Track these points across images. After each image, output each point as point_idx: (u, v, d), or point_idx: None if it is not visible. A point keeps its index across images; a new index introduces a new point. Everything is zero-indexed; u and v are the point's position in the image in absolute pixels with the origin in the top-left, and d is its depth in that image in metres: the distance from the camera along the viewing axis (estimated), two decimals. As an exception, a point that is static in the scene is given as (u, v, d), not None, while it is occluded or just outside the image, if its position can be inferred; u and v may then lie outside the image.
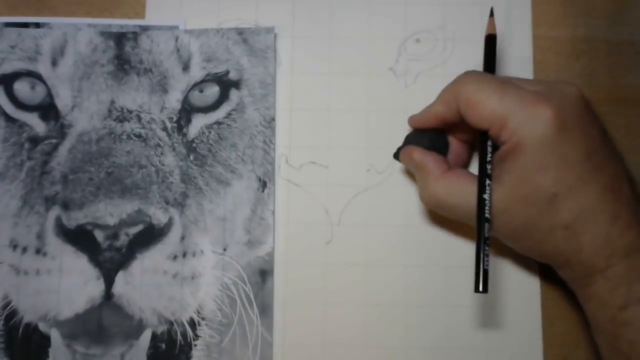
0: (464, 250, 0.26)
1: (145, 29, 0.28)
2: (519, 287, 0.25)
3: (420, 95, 0.27)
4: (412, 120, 0.25)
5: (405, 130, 0.26)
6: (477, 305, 0.25)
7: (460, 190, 0.22)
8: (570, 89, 0.21)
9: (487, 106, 0.21)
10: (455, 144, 0.24)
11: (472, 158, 0.26)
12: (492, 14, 0.24)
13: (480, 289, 0.21)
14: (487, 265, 0.21)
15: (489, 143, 0.22)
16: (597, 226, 0.20)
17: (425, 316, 0.25)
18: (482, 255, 0.21)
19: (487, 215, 0.21)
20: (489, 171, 0.22)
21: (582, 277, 0.21)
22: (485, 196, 0.21)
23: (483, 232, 0.21)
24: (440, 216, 0.26)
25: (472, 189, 0.22)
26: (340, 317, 0.25)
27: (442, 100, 0.23)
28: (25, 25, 0.28)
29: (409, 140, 0.25)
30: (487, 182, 0.21)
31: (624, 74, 0.27)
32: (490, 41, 0.24)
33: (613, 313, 0.20)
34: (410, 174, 0.26)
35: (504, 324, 0.25)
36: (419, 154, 0.23)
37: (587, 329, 0.25)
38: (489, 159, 0.22)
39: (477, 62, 0.25)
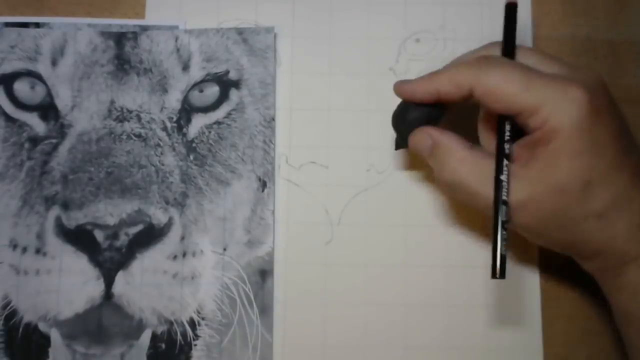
0: (464, 250, 0.26)
1: (145, 29, 0.28)
2: (519, 287, 0.25)
3: None
4: (402, 88, 0.22)
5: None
6: (477, 305, 0.25)
7: (484, 171, 0.20)
8: (594, 74, 0.21)
9: (515, 97, 0.20)
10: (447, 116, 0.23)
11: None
12: None
13: (497, 274, 0.20)
14: (505, 250, 0.20)
15: (507, 127, 0.21)
16: (631, 213, 0.20)
17: (425, 316, 0.25)
18: (499, 239, 0.20)
19: (504, 197, 0.20)
20: (507, 151, 0.20)
21: (614, 266, 0.20)
22: (503, 177, 0.20)
23: (501, 214, 0.20)
24: (440, 216, 0.26)
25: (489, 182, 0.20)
26: (340, 317, 0.25)
27: (452, 81, 0.21)
28: (25, 25, 0.28)
29: (400, 119, 0.23)
30: (505, 162, 0.20)
31: (624, 74, 0.27)
32: (511, 10, 0.22)
33: None
34: (410, 172, 0.26)
35: (504, 324, 0.25)
36: (436, 132, 0.22)
37: (587, 328, 0.25)
38: (506, 137, 0.20)
39: None
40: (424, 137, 0.22)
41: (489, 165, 0.21)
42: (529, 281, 0.26)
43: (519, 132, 0.21)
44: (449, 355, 0.25)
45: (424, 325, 0.25)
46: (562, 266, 0.25)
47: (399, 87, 0.23)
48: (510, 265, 0.25)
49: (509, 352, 0.25)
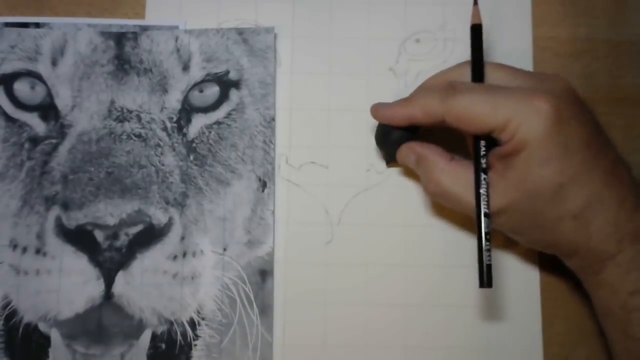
0: (464, 250, 0.26)
1: (145, 29, 0.28)
2: (519, 287, 0.25)
3: None
4: (380, 113, 0.24)
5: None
6: (477, 305, 0.25)
7: (465, 180, 0.22)
8: (560, 81, 0.22)
9: (483, 118, 0.21)
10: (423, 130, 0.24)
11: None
12: (476, 2, 0.24)
13: (485, 284, 0.21)
14: (490, 260, 0.21)
15: (482, 143, 0.22)
16: (605, 212, 0.20)
17: (425, 316, 0.25)
18: (483, 251, 0.21)
19: (485, 210, 0.21)
20: (483, 165, 0.22)
21: (591, 264, 0.21)
22: (482, 191, 0.21)
23: (482, 227, 0.21)
24: (440, 216, 0.26)
25: (461, 184, 0.22)
26: (340, 317, 0.25)
27: (423, 110, 0.22)
28: (25, 25, 0.28)
29: (384, 140, 0.25)
30: (483, 176, 0.22)
31: (624, 74, 0.27)
32: (476, 31, 0.23)
33: (624, 299, 0.20)
34: (410, 173, 0.26)
35: (504, 324, 0.25)
36: (419, 146, 0.23)
37: (587, 328, 0.25)
38: (482, 153, 0.22)
39: None
40: (409, 153, 0.24)
41: (469, 175, 0.22)
42: (529, 281, 0.25)
43: (495, 141, 0.22)
44: (449, 355, 0.25)
45: (424, 325, 0.25)
46: (562, 266, 0.25)
47: (376, 111, 0.24)
48: (510, 266, 0.26)
49: (509, 352, 0.25)
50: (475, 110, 0.21)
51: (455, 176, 0.22)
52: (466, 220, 0.26)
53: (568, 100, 0.21)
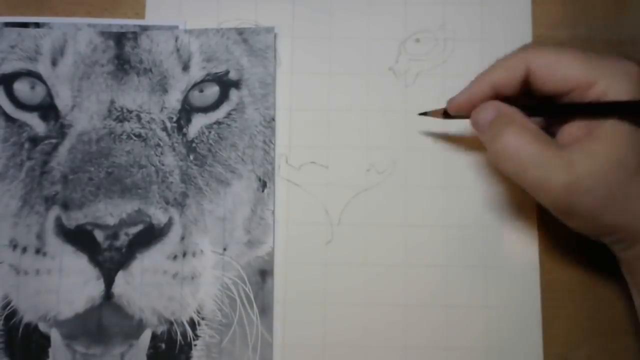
0: (465, 250, 0.26)
1: (145, 29, 0.28)
2: (519, 288, 0.25)
3: (420, 95, 0.27)
4: (456, 102, 0.23)
5: (405, 130, 0.26)
6: (477, 305, 0.25)
7: (545, 146, 0.20)
8: (632, 60, 0.21)
9: (573, 67, 0.20)
10: None
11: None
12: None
13: None
14: None
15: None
16: None
17: (425, 316, 0.25)
18: None
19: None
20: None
21: None
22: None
23: None
24: (440, 216, 0.26)
25: (556, 151, 0.20)
26: (340, 317, 0.25)
27: (503, 68, 0.21)
28: (25, 25, 0.28)
29: None
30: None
31: (624, 74, 0.27)
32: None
33: None
34: (410, 174, 0.26)
35: (504, 324, 0.25)
36: (501, 105, 0.22)
37: (587, 328, 0.25)
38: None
39: (477, 62, 0.25)
40: (490, 109, 0.22)
41: (548, 139, 0.20)
42: (529, 281, 0.25)
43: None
44: (449, 355, 0.25)
45: (424, 325, 0.25)
46: (562, 266, 0.25)
47: (452, 102, 0.23)
48: (510, 266, 0.26)
49: (509, 352, 0.25)
50: (562, 61, 0.20)
51: (535, 136, 0.20)
52: (467, 220, 0.26)
53: None
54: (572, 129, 0.21)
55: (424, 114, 0.26)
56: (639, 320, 0.22)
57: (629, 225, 0.20)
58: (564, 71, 0.21)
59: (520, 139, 0.20)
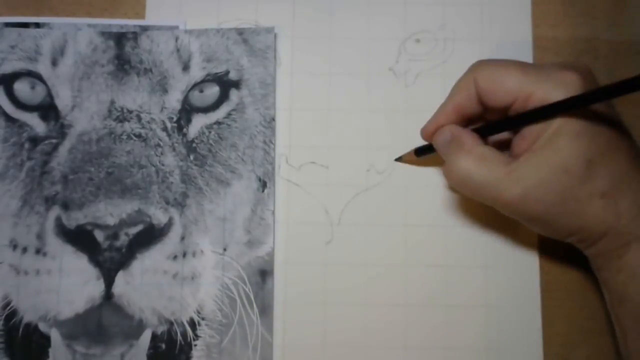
0: (464, 250, 0.26)
1: (145, 29, 0.28)
2: (519, 287, 0.25)
3: (420, 95, 0.27)
4: (425, 131, 0.24)
5: (405, 130, 0.26)
6: (477, 305, 0.25)
7: (492, 166, 0.21)
8: (581, 62, 0.22)
9: (512, 79, 0.21)
10: None
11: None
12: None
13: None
14: None
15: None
16: (632, 192, 0.20)
17: (425, 316, 0.25)
18: None
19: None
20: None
21: (616, 247, 0.21)
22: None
23: None
24: (440, 216, 0.26)
25: (503, 169, 0.21)
26: (340, 317, 0.25)
27: (458, 90, 0.23)
28: (25, 25, 0.28)
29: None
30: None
31: (624, 74, 0.27)
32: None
33: None
34: (410, 174, 0.26)
35: (504, 324, 0.25)
36: (457, 129, 0.23)
37: (587, 328, 0.25)
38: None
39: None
40: (446, 132, 0.23)
41: (496, 157, 0.21)
42: (529, 281, 0.26)
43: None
44: (449, 355, 0.25)
45: (424, 325, 0.25)
46: (562, 266, 0.26)
47: (423, 131, 0.24)
48: (510, 265, 0.26)
49: (509, 352, 0.25)
50: (504, 71, 0.21)
51: (483, 160, 0.21)
52: (468, 220, 0.26)
53: (591, 78, 0.21)
54: (521, 141, 0.22)
55: (399, 159, 0.26)
56: (610, 313, 0.22)
57: (584, 227, 0.21)
58: (504, 83, 0.21)
59: (469, 162, 0.22)
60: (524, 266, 0.26)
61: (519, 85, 0.21)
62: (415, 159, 0.26)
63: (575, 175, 0.20)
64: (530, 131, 0.21)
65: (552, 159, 0.20)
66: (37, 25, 0.28)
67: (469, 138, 0.22)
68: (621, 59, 0.27)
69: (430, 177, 0.26)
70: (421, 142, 0.25)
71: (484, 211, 0.26)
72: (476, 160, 0.22)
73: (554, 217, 0.21)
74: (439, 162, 0.26)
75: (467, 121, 0.23)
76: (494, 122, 0.23)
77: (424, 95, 0.27)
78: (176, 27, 0.28)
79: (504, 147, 0.24)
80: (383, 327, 0.25)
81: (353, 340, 0.25)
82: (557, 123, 0.20)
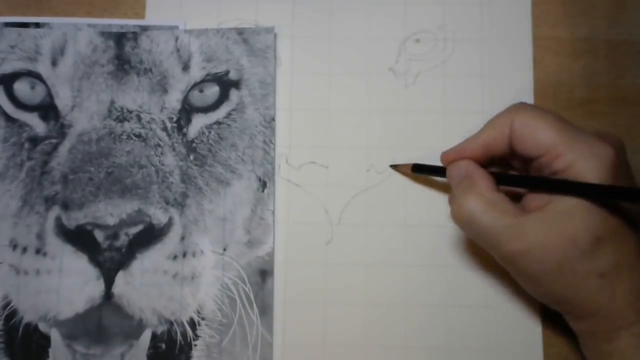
0: (464, 250, 0.26)
1: (145, 29, 0.28)
2: (519, 288, 0.25)
3: (420, 95, 0.27)
4: (446, 156, 0.24)
5: (405, 130, 0.26)
6: (477, 305, 0.26)
7: (500, 215, 0.21)
8: (616, 136, 0.22)
9: (547, 134, 0.21)
10: None
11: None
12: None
13: None
14: None
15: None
16: (631, 279, 0.20)
17: (425, 316, 0.25)
18: None
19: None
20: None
21: (606, 330, 0.20)
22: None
23: None
24: (439, 216, 0.26)
25: (510, 220, 0.21)
26: (340, 317, 0.26)
27: (492, 126, 0.22)
28: (25, 25, 0.28)
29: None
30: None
31: (624, 74, 0.27)
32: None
33: None
34: (410, 174, 0.27)
35: (504, 324, 0.25)
36: (472, 166, 0.23)
37: None
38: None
39: (477, 62, 0.25)
40: (462, 167, 0.23)
41: (505, 207, 0.21)
42: None
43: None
44: (449, 355, 0.25)
45: (424, 325, 0.25)
46: None
47: (444, 156, 0.24)
48: None
49: (509, 352, 0.25)
50: (541, 123, 0.21)
51: (492, 206, 0.21)
52: None
53: (623, 155, 0.21)
54: (535, 196, 0.21)
55: (394, 166, 0.26)
56: None
57: (574, 301, 0.21)
58: (538, 135, 0.21)
59: (477, 205, 0.21)
60: None
61: (552, 142, 0.21)
62: (410, 173, 0.26)
63: (580, 249, 0.20)
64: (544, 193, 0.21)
65: (563, 226, 0.20)
66: (37, 25, 0.28)
67: (483, 181, 0.22)
68: (621, 59, 0.27)
69: (430, 178, 0.27)
70: (421, 155, 0.26)
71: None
72: (485, 205, 0.21)
73: (548, 281, 0.21)
74: (432, 184, 0.26)
75: (490, 159, 0.23)
76: (513, 176, 0.23)
77: (424, 95, 0.27)
78: (176, 27, 0.28)
79: (516, 196, 0.23)
80: (383, 327, 0.25)
81: (353, 340, 0.25)
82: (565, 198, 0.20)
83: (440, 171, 0.24)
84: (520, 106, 0.22)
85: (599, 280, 0.20)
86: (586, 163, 0.20)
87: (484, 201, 0.21)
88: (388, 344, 0.25)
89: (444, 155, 0.24)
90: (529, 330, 0.25)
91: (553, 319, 0.25)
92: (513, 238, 0.21)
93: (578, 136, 0.21)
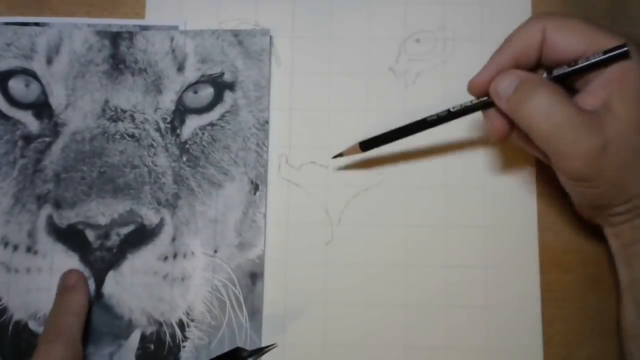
0: (464, 250, 0.31)
1: (145, 29, 0.33)
2: (519, 288, 0.31)
3: (420, 95, 0.33)
4: (477, 82, 0.27)
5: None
6: (477, 305, 0.31)
7: (576, 108, 0.24)
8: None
9: (586, 32, 0.25)
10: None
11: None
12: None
13: None
14: None
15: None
16: None
17: (426, 316, 0.31)
18: None
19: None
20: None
21: None
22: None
23: None
24: (440, 216, 0.31)
25: (587, 114, 0.24)
26: (340, 317, 0.31)
27: (520, 37, 0.26)
28: (25, 25, 0.33)
29: None
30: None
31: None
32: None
33: None
34: (410, 174, 0.32)
35: (504, 324, 0.30)
36: (522, 72, 0.26)
37: (587, 328, 0.29)
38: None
39: (477, 62, 0.30)
40: (513, 75, 0.26)
41: (574, 103, 0.25)
42: (529, 281, 0.31)
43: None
44: (449, 355, 0.30)
45: (424, 325, 0.31)
46: (562, 266, 0.31)
47: (478, 80, 0.27)
48: (510, 265, 0.31)
49: (509, 352, 0.30)
50: (575, 26, 0.25)
51: (567, 98, 0.24)
52: (468, 220, 0.31)
53: None
54: (588, 97, 0.25)
55: (339, 155, 0.31)
56: (620, 293, 0.26)
57: None
58: (577, 36, 0.25)
59: (553, 100, 0.25)
60: (524, 266, 0.31)
61: (589, 40, 0.25)
62: (359, 151, 0.31)
63: None
64: (600, 88, 0.25)
65: (631, 115, 0.24)
66: (37, 25, 0.33)
67: (544, 79, 0.25)
68: None
69: (430, 177, 0.32)
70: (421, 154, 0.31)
71: (484, 211, 0.32)
72: (562, 97, 0.24)
73: (623, 176, 0.24)
74: (432, 184, 0.31)
75: (524, 64, 0.27)
76: (562, 73, 0.26)
77: (424, 95, 0.33)
78: (176, 27, 0.33)
79: None
80: (383, 327, 0.30)
81: (353, 340, 0.30)
82: (628, 82, 0.24)
83: (392, 137, 0.29)
84: (545, 14, 0.26)
85: None
86: (637, 49, 0.24)
87: (560, 94, 0.25)
88: (388, 344, 0.30)
89: (472, 83, 0.28)
90: (529, 330, 0.30)
91: (553, 318, 0.30)
92: (594, 132, 0.24)
93: (611, 35, 0.25)
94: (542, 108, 0.25)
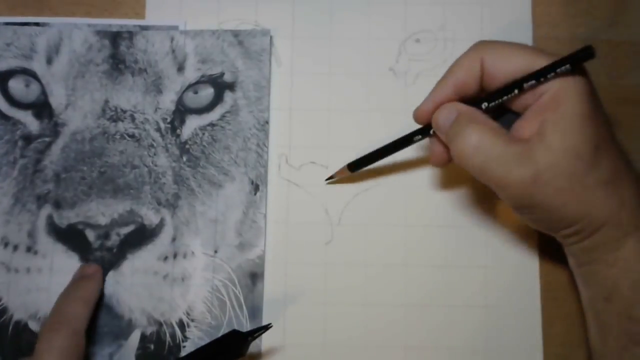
0: (464, 250, 0.33)
1: (145, 29, 0.35)
2: (519, 288, 0.32)
3: (420, 95, 0.33)
4: (421, 111, 0.29)
5: (405, 130, 0.33)
6: (477, 305, 0.32)
7: (506, 141, 0.25)
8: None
9: (523, 56, 0.26)
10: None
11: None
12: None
13: None
14: None
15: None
16: (631, 183, 0.26)
17: (425, 316, 0.32)
18: None
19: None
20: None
21: (613, 239, 0.26)
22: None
23: None
24: (440, 216, 0.33)
25: (517, 147, 0.25)
26: (340, 317, 0.32)
27: (460, 67, 0.28)
28: (24, 25, 0.35)
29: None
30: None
31: (624, 74, 0.34)
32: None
33: (636, 279, 0.25)
34: (410, 173, 0.33)
35: (504, 324, 0.32)
36: (459, 104, 0.27)
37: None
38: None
39: None
40: (451, 109, 0.28)
41: (508, 135, 0.26)
42: (529, 281, 0.32)
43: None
44: (449, 355, 0.31)
45: (424, 325, 0.32)
46: (562, 266, 0.32)
47: (417, 112, 0.30)
48: (510, 265, 0.32)
49: (509, 352, 0.31)
50: (514, 49, 0.26)
51: (497, 132, 0.26)
52: (468, 220, 0.33)
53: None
54: (525, 124, 0.27)
55: (330, 178, 0.33)
56: (585, 314, 0.27)
57: (588, 216, 0.26)
58: (515, 60, 0.27)
59: (482, 135, 0.26)
60: (524, 266, 0.32)
61: (530, 61, 0.26)
62: (348, 174, 0.33)
63: (585, 161, 0.25)
64: (536, 115, 0.26)
65: (564, 143, 0.25)
66: (37, 25, 0.35)
67: (479, 113, 0.27)
68: (621, 59, 0.34)
69: (430, 177, 0.34)
70: (420, 155, 0.32)
71: (484, 211, 0.33)
72: (491, 133, 0.26)
73: (561, 202, 0.25)
74: (432, 183, 0.32)
75: (465, 95, 0.28)
76: (496, 94, 0.27)
77: (424, 95, 0.33)
78: (176, 27, 0.35)
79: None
80: (383, 327, 0.32)
81: (353, 340, 0.32)
82: (569, 102, 0.25)
83: (377, 156, 0.31)
84: (484, 42, 0.28)
85: (605, 188, 0.25)
86: (569, 77, 0.25)
87: (490, 130, 0.26)
88: (388, 344, 0.32)
89: (417, 112, 0.30)
90: (529, 330, 0.32)
91: (553, 318, 0.31)
92: (522, 164, 0.25)
93: (552, 54, 0.26)
94: (472, 143, 0.26)
